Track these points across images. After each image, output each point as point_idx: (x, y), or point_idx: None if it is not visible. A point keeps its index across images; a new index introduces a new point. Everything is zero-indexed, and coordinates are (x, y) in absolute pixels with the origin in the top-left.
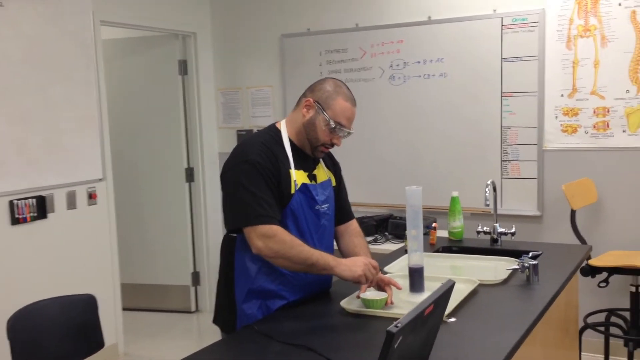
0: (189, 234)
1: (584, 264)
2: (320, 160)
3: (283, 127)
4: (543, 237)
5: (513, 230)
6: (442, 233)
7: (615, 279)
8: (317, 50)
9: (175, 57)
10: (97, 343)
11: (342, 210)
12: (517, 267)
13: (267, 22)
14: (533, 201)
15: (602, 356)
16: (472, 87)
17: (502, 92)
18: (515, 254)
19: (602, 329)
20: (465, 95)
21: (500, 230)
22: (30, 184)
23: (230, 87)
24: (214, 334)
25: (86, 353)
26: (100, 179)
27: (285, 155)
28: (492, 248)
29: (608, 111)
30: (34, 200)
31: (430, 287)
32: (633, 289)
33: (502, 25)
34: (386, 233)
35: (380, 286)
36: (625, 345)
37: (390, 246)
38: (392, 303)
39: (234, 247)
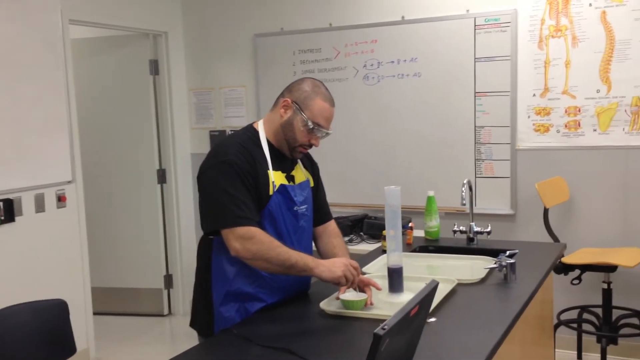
0: (161, 236)
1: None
2: (298, 160)
3: (260, 127)
4: (516, 235)
5: (489, 229)
6: (418, 233)
7: (587, 276)
8: (291, 50)
9: (146, 56)
10: (68, 349)
11: (321, 211)
12: (495, 266)
13: (240, 22)
14: (506, 200)
15: (575, 352)
16: (446, 87)
17: (475, 92)
18: (492, 252)
19: (575, 325)
20: (439, 95)
21: (476, 229)
22: None
23: (202, 87)
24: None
25: (58, 359)
26: (69, 181)
27: (263, 156)
28: (469, 247)
29: (579, 110)
30: (1, 203)
31: (409, 287)
32: (605, 285)
33: (475, 25)
34: (361, 233)
35: (360, 287)
36: (598, 341)
37: (366, 246)
38: (371, 304)
39: (211, 249)
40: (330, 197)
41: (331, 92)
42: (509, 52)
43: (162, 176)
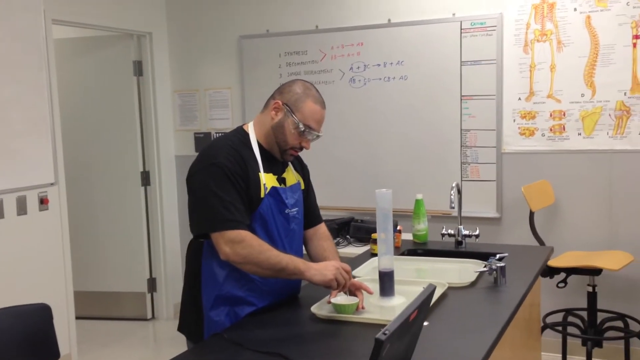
0: (144, 239)
1: None
2: (289, 163)
3: (251, 129)
4: (502, 238)
5: (477, 232)
6: (406, 236)
7: (572, 279)
8: (277, 52)
9: (130, 57)
10: (52, 354)
11: (311, 214)
12: (485, 269)
13: (225, 23)
14: (492, 203)
15: (560, 355)
16: (432, 90)
17: (461, 95)
18: (480, 256)
19: (560, 328)
20: (425, 98)
21: (464, 232)
22: None
23: (187, 88)
24: (172, 342)
25: None
26: (52, 183)
27: (254, 158)
28: (457, 250)
29: (564, 114)
30: None
31: (400, 291)
32: (590, 289)
33: (461, 29)
34: (348, 236)
35: (351, 290)
36: (583, 344)
37: (353, 249)
38: (363, 308)
39: (200, 253)
40: (317, 200)
41: None
42: (495, 55)
43: (145, 178)
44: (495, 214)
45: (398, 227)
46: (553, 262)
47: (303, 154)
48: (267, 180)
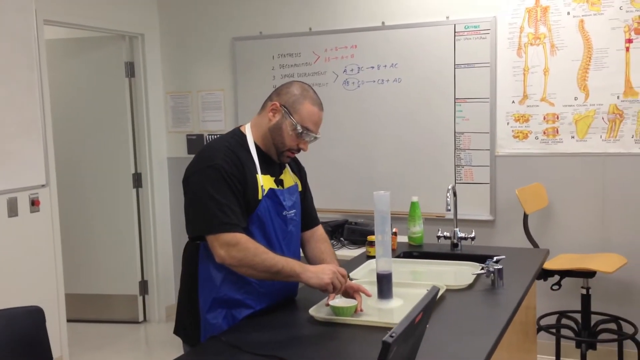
0: (136, 241)
1: None
2: (286, 165)
3: (248, 131)
4: (496, 241)
5: (473, 235)
6: (401, 238)
7: (565, 281)
8: (270, 54)
9: (122, 58)
10: (45, 357)
11: (308, 216)
12: (483, 272)
13: (218, 25)
14: (486, 206)
15: (554, 358)
16: (426, 93)
17: (455, 98)
18: (476, 258)
19: (554, 331)
20: (419, 101)
21: (460, 235)
22: None
23: (179, 90)
24: (164, 345)
25: None
26: (43, 185)
27: (252, 160)
28: (453, 253)
29: (557, 117)
30: None
31: (397, 293)
32: (584, 291)
33: (454, 32)
34: (342, 239)
35: (349, 293)
36: (577, 346)
37: (347, 252)
38: (361, 310)
39: (197, 255)
40: None
41: None
42: (489, 59)
43: (137, 180)
44: (489, 216)
45: (394, 230)
46: (547, 265)
47: (297, 156)
48: (265, 182)
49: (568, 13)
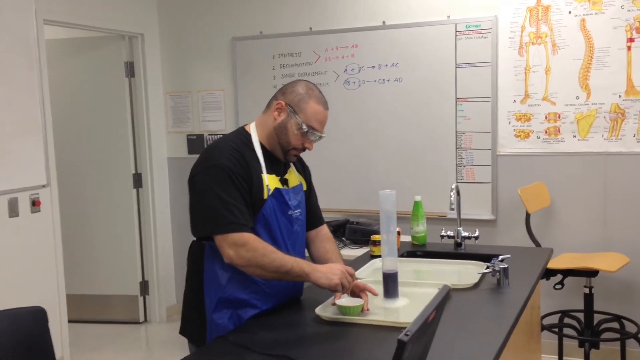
0: (137, 241)
1: None
2: (291, 164)
3: (253, 130)
4: (497, 240)
5: (477, 234)
6: (404, 238)
7: (568, 280)
8: (270, 53)
9: (122, 58)
10: (48, 357)
11: (313, 216)
12: (489, 271)
13: (218, 24)
14: (487, 205)
15: (557, 357)
16: (427, 92)
17: (456, 98)
18: (479, 257)
19: (557, 330)
20: (420, 101)
21: (464, 234)
22: None
23: (179, 90)
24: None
25: None
26: (43, 185)
27: (257, 159)
28: (456, 252)
29: (559, 117)
30: None
31: (402, 293)
32: (586, 290)
33: (456, 31)
34: (343, 239)
35: (355, 292)
36: (580, 346)
37: (349, 252)
38: (368, 310)
39: (202, 255)
40: None
41: None
42: (490, 58)
43: (138, 180)
44: (491, 216)
45: (397, 229)
46: (549, 264)
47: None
48: (270, 181)
49: (569, 12)
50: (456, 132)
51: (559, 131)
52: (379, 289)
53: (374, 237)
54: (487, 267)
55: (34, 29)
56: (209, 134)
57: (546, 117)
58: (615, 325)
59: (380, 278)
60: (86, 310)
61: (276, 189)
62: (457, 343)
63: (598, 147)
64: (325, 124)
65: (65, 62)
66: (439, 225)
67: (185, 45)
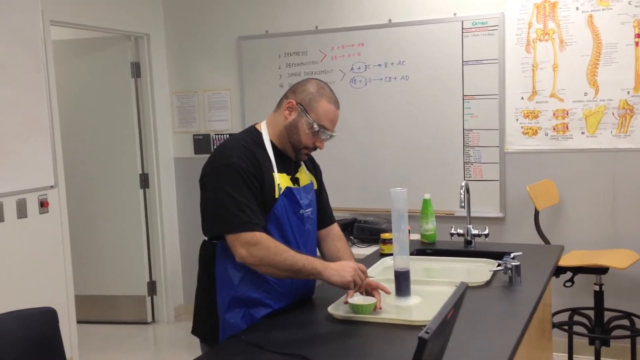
0: (144, 242)
1: None
2: (302, 163)
3: (264, 129)
4: (506, 238)
5: (487, 231)
6: (413, 236)
7: (578, 278)
8: (276, 52)
9: (128, 59)
10: (58, 358)
11: (324, 214)
12: (500, 268)
13: (224, 24)
14: (495, 203)
15: (567, 355)
16: (434, 90)
17: (463, 95)
18: (489, 255)
19: (567, 327)
20: (427, 98)
21: (474, 232)
22: None
23: (185, 90)
24: (172, 345)
25: None
26: (51, 186)
27: (268, 158)
28: (466, 250)
29: (567, 113)
30: None
31: (414, 291)
32: (597, 287)
33: (462, 28)
34: (352, 237)
35: (367, 290)
36: (591, 343)
37: (357, 250)
38: (380, 308)
39: (214, 254)
40: None
41: None
42: (497, 55)
43: (144, 181)
44: (499, 213)
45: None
46: (559, 261)
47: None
48: (281, 180)
49: (577, 8)
50: (463, 129)
51: (567, 128)
52: (391, 287)
53: (384, 236)
54: (499, 265)
55: (40, 30)
56: (216, 134)
57: (554, 114)
58: (626, 322)
59: (391, 276)
60: (94, 310)
61: (287, 188)
62: (472, 342)
63: (607, 144)
64: (337, 122)
65: (72, 63)
66: (446, 224)
67: (191, 45)
